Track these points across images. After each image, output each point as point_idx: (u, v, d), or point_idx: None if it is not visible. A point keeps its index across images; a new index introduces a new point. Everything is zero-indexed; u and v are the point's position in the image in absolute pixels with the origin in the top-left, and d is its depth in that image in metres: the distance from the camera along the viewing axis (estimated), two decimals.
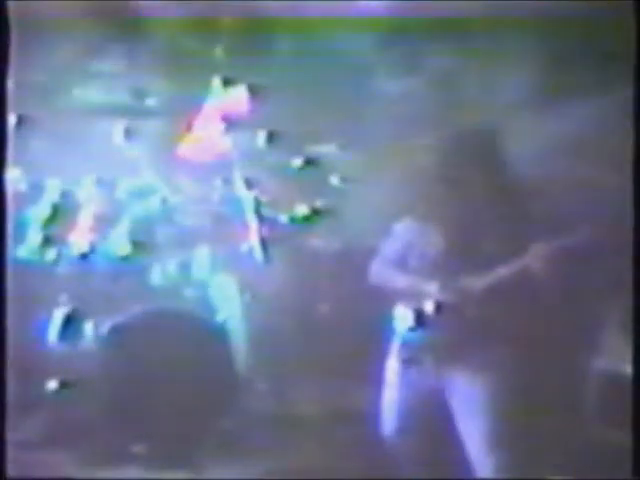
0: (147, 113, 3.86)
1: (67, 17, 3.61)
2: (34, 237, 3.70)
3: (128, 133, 3.79)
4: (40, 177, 3.74)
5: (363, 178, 3.62)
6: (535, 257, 3.34)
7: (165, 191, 3.81)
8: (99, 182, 3.78)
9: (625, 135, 3.24)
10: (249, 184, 3.72)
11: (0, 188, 3.20)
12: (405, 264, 3.47)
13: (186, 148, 3.84)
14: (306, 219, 3.65)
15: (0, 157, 3.19)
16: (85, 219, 3.80)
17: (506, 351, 3.33)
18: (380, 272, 3.52)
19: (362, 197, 3.62)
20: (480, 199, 3.42)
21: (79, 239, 3.77)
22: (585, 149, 3.41)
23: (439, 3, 3.49)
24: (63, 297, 3.68)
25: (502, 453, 3.31)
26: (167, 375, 3.59)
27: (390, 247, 3.51)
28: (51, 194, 3.76)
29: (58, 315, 3.65)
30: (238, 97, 3.77)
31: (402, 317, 3.45)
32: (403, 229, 3.51)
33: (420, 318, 3.41)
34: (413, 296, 3.42)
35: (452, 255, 3.41)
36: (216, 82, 3.76)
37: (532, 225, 3.37)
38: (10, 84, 2.87)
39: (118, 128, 3.79)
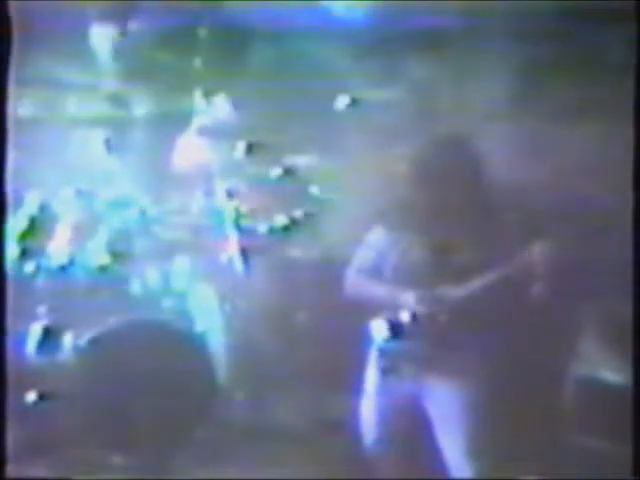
0: (126, 124, 3.86)
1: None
2: (12, 249, 3.69)
3: (108, 144, 3.79)
4: (18, 189, 3.73)
5: (342, 188, 3.63)
6: (512, 266, 3.37)
7: (144, 202, 3.81)
8: (78, 193, 3.77)
9: (610, 142, 3.27)
10: (228, 195, 3.73)
11: (0, 192, 3.21)
12: (381, 274, 3.49)
13: (167, 159, 3.85)
14: (285, 229, 3.66)
15: (0, 160, 3.20)
16: (63, 231, 3.80)
17: (483, 359, 3.35)
18: (356, 282, 3.54)
19: (341, 207, 3.63)
20: (457, 209, 3.45)
21: (57, 251, 3.77)
22: (566, 157, 3.44)
23: (417, 12, 3.51)
24: (42, 309, 3.67)
25: (480, 460, 3.33)
26: (146, 386, 3.59)
27: (365, 257, 3.54)
28: (29, 206, 3.75)
29: (37, 327, 3.65)
30: (217, 108, 3.78)
31: (379, 327, 3.46)
32: (378, 238, 3.53)
33: (397, 328, 3.42)
34: (390, 305, 3.44)
35: (428, 264, 3.43)
36: (195, 93, 3.77)
37: (509, 234, 3.40)
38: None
39: (97, 139, 3.79)
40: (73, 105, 3.87)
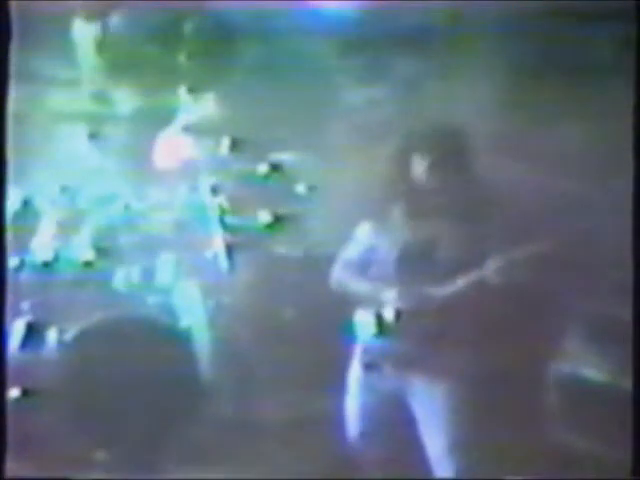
0: (111, 120, 3.85)
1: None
2: None
3: (92, 140, 3.78)
4: None
5: (328, 185, 3.64)
6: (496, 265, 3.38)
7: (129, 198, 3.80)
8: (62, 189, 3.77)
9: (608, 141, 3.29)
10: (213, 191, 3.73)
11: (0, 190, 3.20)
12: (365, 270, 3.51)
13: (151, 155, 3.84)
14: (270, 226, 3.66)
15: (0, 157, 3.19)
16: (48, 226, 3.79)
17: (467, 357, 3.37)
18: (340, 278, 3.55)
19: (327, 204, 3.64)
20: (443, 206, 3.47)
21: (42, 246, 3.76)
22: (558, 157, 3.46)
23: (405, 10, 3.52)
24: (25, 304, 3.66)
25: (464, 458, 3.35)
26: (131, 382, 3.58)
27: (350, 253, 3.55)
28: (13, 201, 3.74)
29: (20, 323, 3.64)
30: (203, 104, 3.78)
31: (363, 323, 3.48)
32: (365, 234, 3.54)
33: (381, 324, 3.44)
34: (373, 302, 3.45)
35: (414, 261, 3.44)
36: (180, 89, 3.77)
37: (494, 233, 3.42)
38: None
39: (82, 135, 3.79)
40: (57, 101, 3.86)
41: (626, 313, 3.20)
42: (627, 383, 3.17)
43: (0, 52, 3.15)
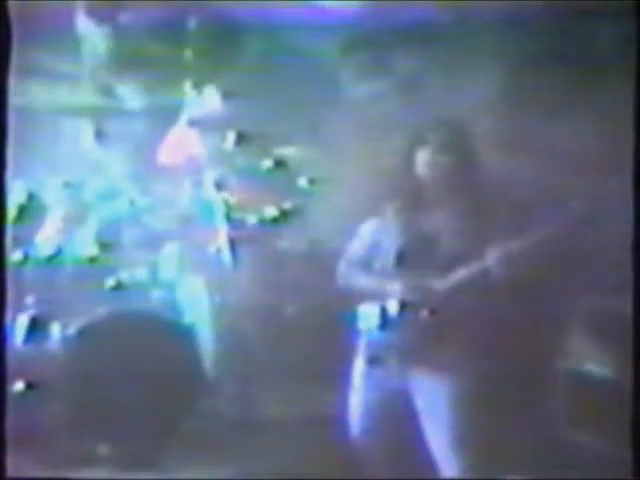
0: (116, 115, 3.86)
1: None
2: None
3: (97, 135, 3.79)
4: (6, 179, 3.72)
5: (332, 180, 3.64)
6: (499, 258, 3.38)
7: (133, 192, 3.81)
8: (66, 184, 3.77)
9: (606, 138, 3.29)
10: (218, 186, 3.73)
11: (0, 187, 3.21)
12: (370, 265, 3.51)
13: (156, 150, 3.85)
14: (275, 221, 3.66)
15: (0, 157, 3.19)
16: (52, 221, 3.79)
17: (471, 351, 3.37)
18: (345, 273, 3.56)
19: (331, 199, 3.64)
20: (447, 200, 3.47)
21: (46, 241, 3.76)
22: (556, 150, 3.46)
23: (407, 5, 3.53)
24: (29, 299, 3.66)
25: (467, 453, 3.35)
26: (134, 377, 3.59)
27: (356, 247, 3.55)
28: (17, 196, 3.74)
29: (24, 317, 3.64)
30: (207, 99, 3.78)
31: (367, 317, 3.48)
32: (369, 229, 3.55)
33: (385, 318, 3.44)
34: (378, 296, 3.45)
35: (419, 255, 3.45)
36: (185, 84, 3.77)
37: (498, 226, 3.42)
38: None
39: (86, 130, 3.79)
40: (62, 95, 3.86)
41: (627, 308, 3.19)
42: (627, 380, 3.17)
43: (3, 49, 3.16)
